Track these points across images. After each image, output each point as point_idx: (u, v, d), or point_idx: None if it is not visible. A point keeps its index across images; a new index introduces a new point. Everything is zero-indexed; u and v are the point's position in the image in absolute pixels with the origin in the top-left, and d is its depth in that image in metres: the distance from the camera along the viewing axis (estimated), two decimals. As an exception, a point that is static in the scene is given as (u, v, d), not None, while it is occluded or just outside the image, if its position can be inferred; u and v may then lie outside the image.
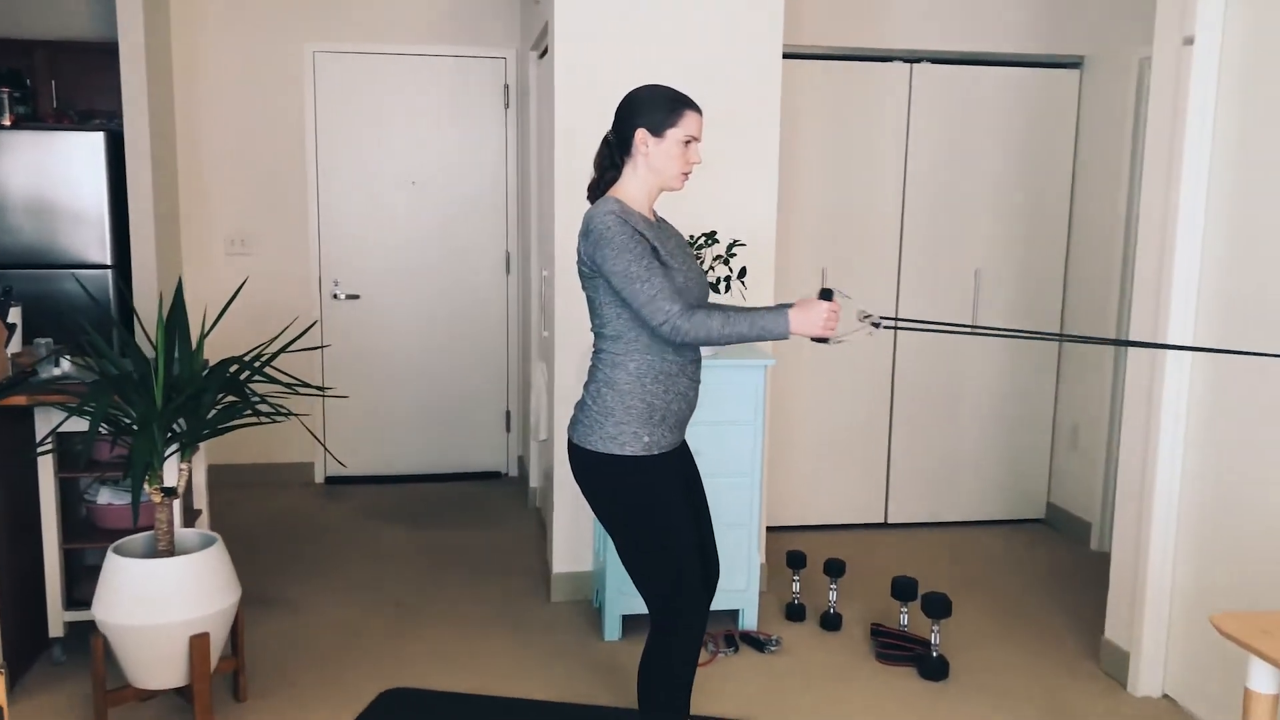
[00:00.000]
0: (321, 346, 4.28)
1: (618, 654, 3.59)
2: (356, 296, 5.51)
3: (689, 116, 2.51)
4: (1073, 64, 4.82)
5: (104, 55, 4.96)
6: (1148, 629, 3.32)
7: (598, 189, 2.61)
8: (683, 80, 3.82)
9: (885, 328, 2.55)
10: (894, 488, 4.99)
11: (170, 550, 3.03)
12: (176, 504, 3.37)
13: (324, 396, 3.64)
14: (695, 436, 3.59)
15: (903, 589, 3.63)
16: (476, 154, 5.51)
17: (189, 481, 4.04)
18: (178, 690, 3.05)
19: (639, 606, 3.68)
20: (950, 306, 4.88)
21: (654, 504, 2.53)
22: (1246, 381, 2.99)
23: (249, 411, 3.08)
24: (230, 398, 3.14)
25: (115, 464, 3.41)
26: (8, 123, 4.87)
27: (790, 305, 2.45)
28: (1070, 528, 4.91)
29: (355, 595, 4.07)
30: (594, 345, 2.61)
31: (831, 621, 3.83)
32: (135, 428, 2.84)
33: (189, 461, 3.06)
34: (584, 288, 2.57)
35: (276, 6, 5.24)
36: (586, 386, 2.59)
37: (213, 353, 5.31)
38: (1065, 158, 4.87)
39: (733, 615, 3.85)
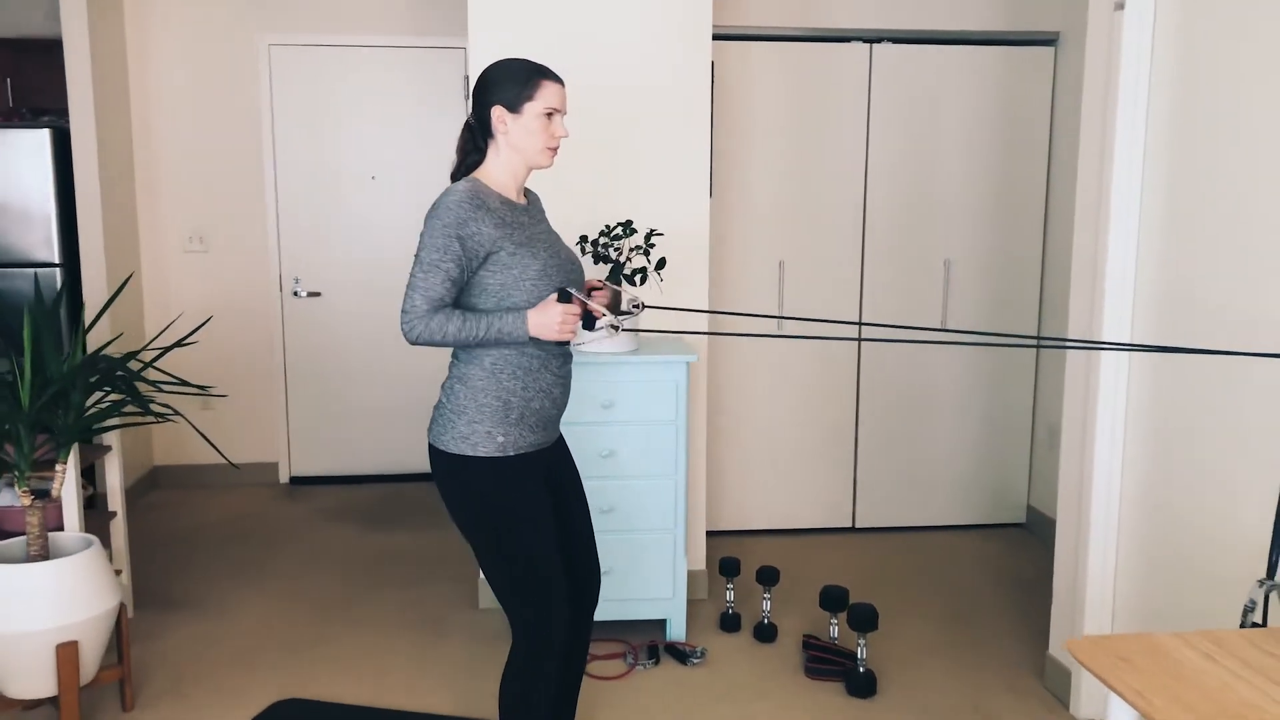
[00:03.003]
0: (188, 343, 4.14)
1: (532, 665, 3.42)
2: (318, 294, 5.41)
3: (547, 87, 2.34)
4: (1047, 41, 4.54)
5: (60, 53, 4.91)
6: (1088, 645, 3.07)
7: (459, 176, 2.46)
8: (606, 68, 3.66)
9: (626, 330, 2.45)
10: (862, 491, 4.75)
11: (43, 555, 2.93)
12: (70, 506, 3.28)
13: (204, 395, 3.52)
14: (611, 436, 3.44)
15: (832, 599, 3.42)
16: (438, 147, 5.38)
17: (93, 483, 3.93)
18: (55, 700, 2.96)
19: (561, 615, 3.51)
20: (919, 300, 4.63)
21: (510, 509, 2.36)
22: (1186, 381, 2.73)
23: (128, 409, 2.97)
24: (114, 396, 3.03)
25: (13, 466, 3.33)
26: (-39, 121, 4.86)
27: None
28: (1048, 533, 4.63)
29: (280, 599, 3.95)
30: (453, 339, 2.45)
31: (766, 632, 3.62)
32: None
33: (64, 463, 2.96)
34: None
35: (230, -1, 5.17)
36: (443, 384, 2.44)
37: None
38: (1040, 140, 4.59)
39: (660, 625, 3.67)
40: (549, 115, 2.34)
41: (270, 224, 5.33)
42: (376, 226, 5.39)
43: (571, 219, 3.66)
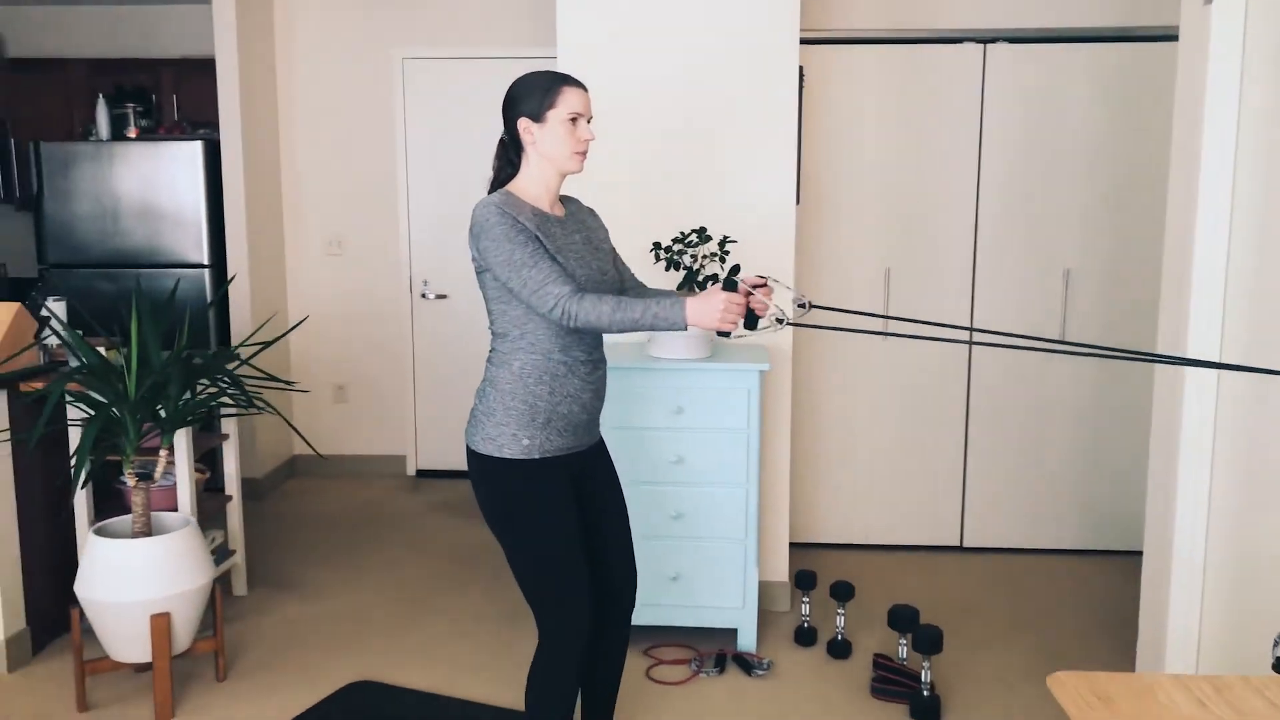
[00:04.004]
0: (278, 338, 4.37)
1: (599, 664, 3.48)
2: (445, 296, 5.65)
3: (568, 93, 2.40)
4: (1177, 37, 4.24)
5: (215, 70, 5.33)
6: (1170, 685, 2.86)
7: (494, 190, 2.54)
8: (690, 74, 3.69)
9: (790, 324, 2.34)
10: (971, 509, 4.57)
11: (146, 532, 3.20)
12: (182, 489, 3.57)
13: (293, 390, 3.74)
14: (681, 442, 3.46)
15: (900, 619, 3.31)
16: (560, 155, 5.51)
17: (210, 466, 4.19)
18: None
19: (634, 617, 3.54)
20: (1036, 311, 4.42)
21: (533, 511, 2.43)
22: (1277, 403, 2.52)
23: (221, 400, 3.21)
24: (211, 389, 3.29)
25: (144, 451, 3.64)
26: (132, 135, 5.33)
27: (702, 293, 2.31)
28: (1174, 563, 4.33)
29: (378, 585, 4.16)
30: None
31: (840, 649, 3.55)
32: (93, 413, 3.02)
33: (167, 449, 3.22)
34: (479, 284, 2.50)
35: (368, 16, 5.45)
36: (479, 387, 2.53)
37: (307, 348, 5.64)
38: (1170, 143, 4.28)
39: (732, 634, 3.65)
40: (573, 120, 2.39)
41: (402, 229, 5.60)
42: (500, 232, 5.57)
43: (652, 225, 3.70)
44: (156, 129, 5.51)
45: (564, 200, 2.57)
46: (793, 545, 4.52)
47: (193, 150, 5.09)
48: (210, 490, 4.13)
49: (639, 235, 3.69)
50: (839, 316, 3.95)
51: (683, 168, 3.74)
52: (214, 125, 5.35)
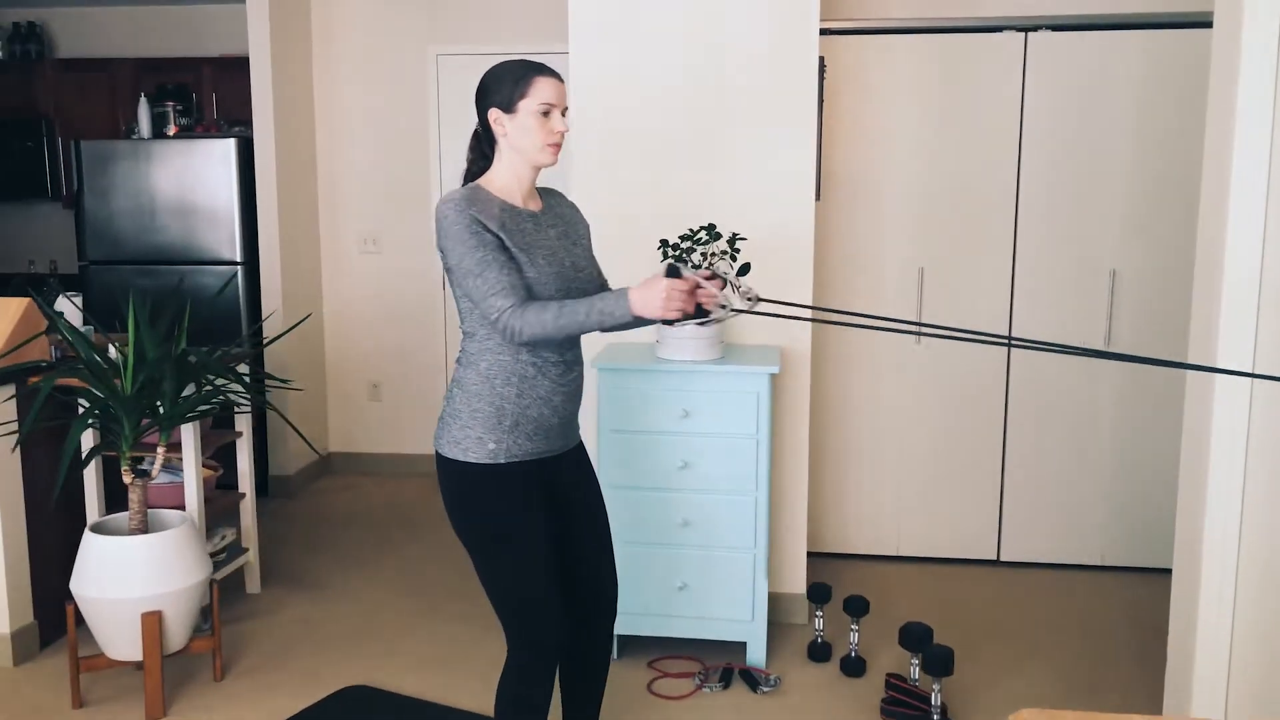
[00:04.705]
0: (277, 337, 4.33)
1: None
2: (477, 294, 5.58)
3: (540, 83, 2.29)
4: (1240, 23, 3.97)
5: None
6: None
7: (467, 182, 2.45)
8: (703, 67, 3.57)
9: (740, 311, 2.22)
10: (1008, 521, 4.35)
11: (142, 529, 3.18)
12: (190, 485, 3.56)
13: (285, 388, 3.69)
14: (688, 447, 3.34)
15: (912, 638, 3.14)
16: (593, 151, 5.42)
17: (209, 465, 4.17)
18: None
19: (640, 627, 3.45)
20: (1080, 314, 4.18)
21: (498, 517, 2.33)
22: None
23: (220, 398, 3.18)
24: (210, 386, 3.26)
25: (149, 446, 3.65)
26: (171, 133, 5.38)
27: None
28: (1227, 584, 4.05)
29: (393, 587, 4.11)
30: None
31: (853, 666, 3.38)
32: (85, 407, 3.01)
33: (164, 445, 3.20)
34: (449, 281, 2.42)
35: (403, 12, 5.42)
36: (447, 388, 2.44)
37: (342, 346, 5.64)
38: (1231, 137, 4.02)
39: (741, 647, 3.51)
40: (545, 112, 2.29)
41: (435, 227, 5.55)
42: (533, 229, 5.50)
43: (664, 222, 3.58)
44: (196, 127, 5.55)
45: (544, 193, 2.46)
46: (822, 555, 4.37)
47: (226, 148, 5.11)
48: (225, 487, 4.12)
49: (651, 232, 3.56)
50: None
51: (695, 163, 3.61)
52: (249, 123, 5.38)
